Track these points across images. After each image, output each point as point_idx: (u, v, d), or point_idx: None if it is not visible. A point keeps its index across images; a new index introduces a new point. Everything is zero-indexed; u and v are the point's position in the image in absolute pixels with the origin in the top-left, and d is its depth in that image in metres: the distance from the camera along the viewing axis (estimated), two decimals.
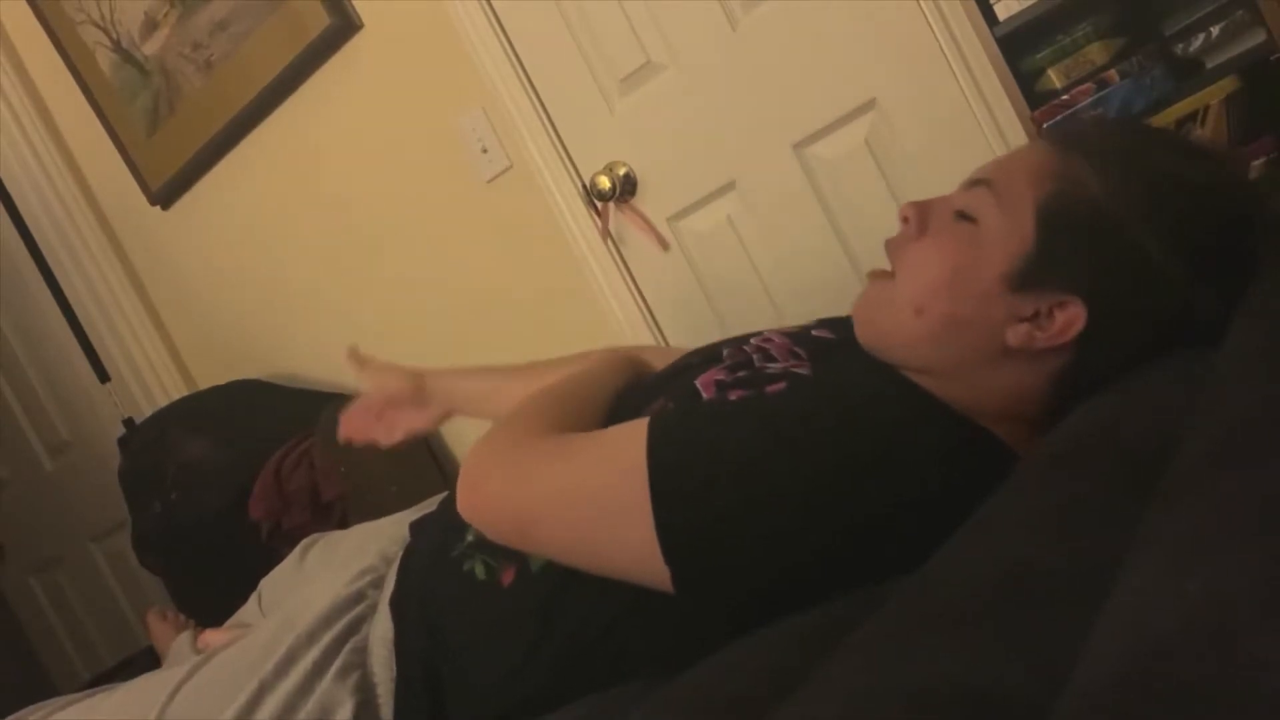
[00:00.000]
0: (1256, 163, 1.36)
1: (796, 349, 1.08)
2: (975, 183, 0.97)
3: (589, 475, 0.93)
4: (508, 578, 1.01)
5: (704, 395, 1.01)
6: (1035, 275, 0.90)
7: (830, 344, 1.10)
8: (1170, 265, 0.87)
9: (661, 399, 1.05)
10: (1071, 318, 0.90)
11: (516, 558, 1.01)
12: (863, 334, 1.02)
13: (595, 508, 0.91)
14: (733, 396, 0.98)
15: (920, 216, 0.98)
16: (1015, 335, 0.91)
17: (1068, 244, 0.90)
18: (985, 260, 0.92)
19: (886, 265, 1.03)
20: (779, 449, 0.89)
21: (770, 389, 0.97)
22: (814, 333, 1.14)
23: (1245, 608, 0.43)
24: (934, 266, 0.95)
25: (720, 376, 1.03)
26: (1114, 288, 0.89)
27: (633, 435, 0.93)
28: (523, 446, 0.99)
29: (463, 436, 2.43)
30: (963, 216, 0.95)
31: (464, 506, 1.00)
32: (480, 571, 1.04)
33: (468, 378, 1.46)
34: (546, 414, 1.06)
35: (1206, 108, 1.38)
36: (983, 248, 0.93)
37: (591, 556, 0.93)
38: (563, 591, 0.98)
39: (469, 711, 1.04)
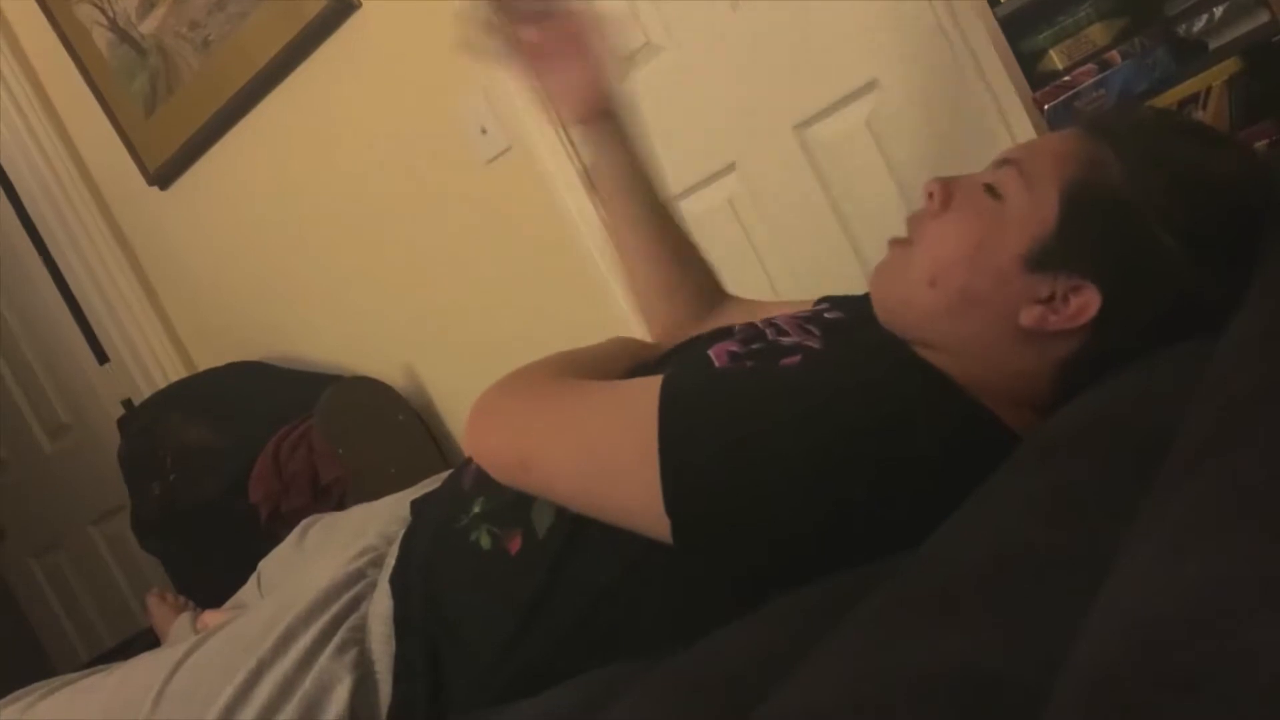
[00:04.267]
0: (1259, 145, 1.35)
1: (809, 327, 1.09)
2: (1003, 162, 0.97)
3: (598, 422, 0.95)
4: (514, 546, 1.02)
5: (716, 364, 1.01)
6: (1054, 257, 0.91)
7: (841, 323, 1.10)
8: (1186, 258, 0.88)
9: (671, 367, 1.06)
10: (1086, 302, 0.90)
11: (521, 524, 1.01)
12: (878, 306, 1.02)
13: (601, 454, 0.93)
14: (747, 365, 0.99)
15: (945, 192, 0.98)
16: (1029, 316, 0.92)
17: (1089, 229, 0.90)
18: (1006, 237, 0.93)
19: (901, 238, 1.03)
20: (789, 418, 0.89)
21: (785, 361, 0.98)
22: (825, 314, 1.14)
23: (1243, 591, 0.43)
24: (955, 240, 0.95)
25: (733, 348, 1.03)
26: (1130, 277, 0.90)
27: (645, 389, 0.94)
28: (535, 388, 1.01)
29: (462, 418, 2.43)
30: (989, 191, 0.95)
31: (470, 441, 1.01)
32: (485, 542, 1.04)
33: (633, 155, 1.32)
34: (559, 367, 1.06)
35: (1209, 89, 1.37)
36: (1005, 225, 0.93)
37: (592, 499, 0.94)
38: (569, 554, 0.98)
39: (468, 684, 1.04)
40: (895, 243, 1.03)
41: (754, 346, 1.03)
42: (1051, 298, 0.91)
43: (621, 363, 1.16)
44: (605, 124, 1.30)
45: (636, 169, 1.33)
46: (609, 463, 0.92)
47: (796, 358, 0.98)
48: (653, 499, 0.88)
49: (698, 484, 0.88)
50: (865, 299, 1.06)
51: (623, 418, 0.93)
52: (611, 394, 0.98)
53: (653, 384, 0.94)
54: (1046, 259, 0.91)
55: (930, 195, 0.99)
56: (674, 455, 0.88)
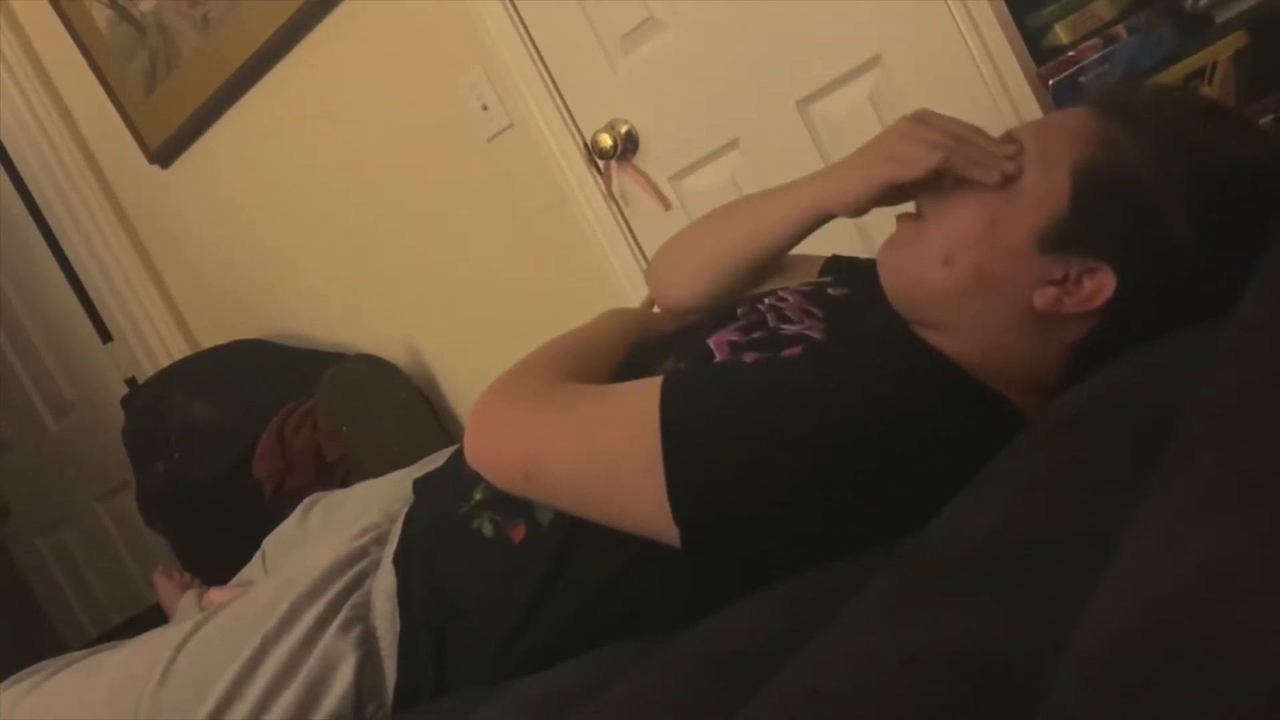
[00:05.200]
0: (1264, 120, 1.34)
1: (811, 308, 1.07)
2: (1011, 140, 0.96)
3: (600, 430, 0.94)
4: (518, 535, 1.02)
5: (717, 356, 1.01)
6: (1068, 238, 0.90)
7: (845, 303, 1.09)
8: (1201, 243, 0.87)
9: (672, 358, 1.05)
10: (1100, 285, 0.89)
11: (524, 513, 1.01)
12: (888, 282, 1.01)
13: (604, 462, 0.92)
14: (747, 359, 0.98)
15: None
16: (1043, 298, 0.91)
17: (1102, 210, 0.90)
18: (1020, 215, 0.92)
19: (895, 225, 1.01)
20: (792, 415, 0.89)
21: (785, 353, 0.97)
22: (829, 290, 1.13)
23: (1246, 573, 0.43)
24: (970, 216, 0.94)
25: (734, 337, 1.02)
26: (1144, 261, 0.89)
27: (646, 393, 0.93)
28: (534, 394, 0.99)
29: (465, 395, 2.44)
30: None
31: (471, 452, 1.00)
32: (488, 530, 1.04)
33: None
34: (558, 363, 1.05)
35: (1215, 64, 1.36)
36: (1018, 203, 0.92)
37: (598, 507, 0.94)
38: (572, 545, 0.98)
39: (473, 668, 1.04)
40: (904, 218, 1.02)
41: (755, 336, 1.02)
42: (1065, 280, 0.90)
43: (619, 346, 1.15)
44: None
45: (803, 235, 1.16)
46: (613, 474, 0.91)
47: (797, 349, 0.97)
48: (659, 510, 0.88)
49: (701, 485, 0.87)
50: (871, 269, 1.05)
51: (625, 427, 0.92)
52: (612, 401, 0.96)
53: (653, 388, 0.93)
54: (1061, 240, 0.90)
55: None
56: (677, 468, 0.87)
